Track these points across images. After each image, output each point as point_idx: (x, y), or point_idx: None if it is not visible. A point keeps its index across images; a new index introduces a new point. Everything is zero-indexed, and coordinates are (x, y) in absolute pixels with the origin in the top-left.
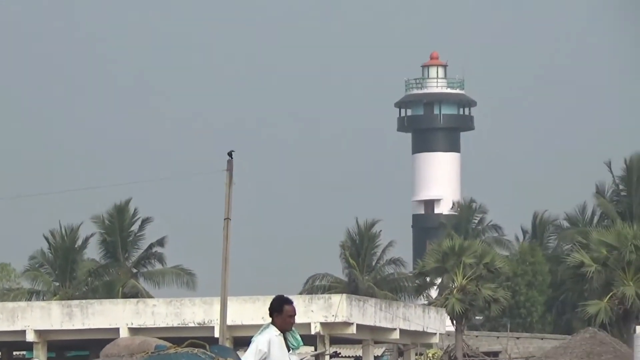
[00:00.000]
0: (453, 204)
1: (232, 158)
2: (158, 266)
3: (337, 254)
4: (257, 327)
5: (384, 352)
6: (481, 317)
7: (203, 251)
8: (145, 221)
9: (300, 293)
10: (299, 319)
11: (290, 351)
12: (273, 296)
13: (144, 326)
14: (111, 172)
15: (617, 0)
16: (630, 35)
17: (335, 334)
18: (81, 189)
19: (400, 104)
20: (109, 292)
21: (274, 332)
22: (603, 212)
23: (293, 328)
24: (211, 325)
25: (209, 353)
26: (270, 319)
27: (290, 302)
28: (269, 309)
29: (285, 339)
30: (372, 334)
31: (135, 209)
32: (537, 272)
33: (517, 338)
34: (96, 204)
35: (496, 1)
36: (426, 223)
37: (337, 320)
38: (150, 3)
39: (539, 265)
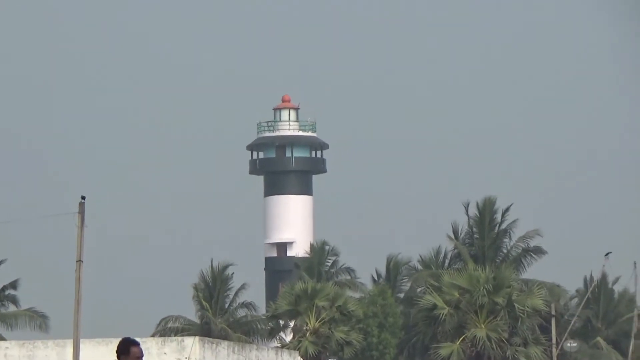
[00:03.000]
0: (311, 245)
1: (84, 200)
2: (11, 308)
3: (189, 296)
4: None
5: None
6: None
7: (56, 293)
8: None
9: (153, 335)
10: None
11: None
12: None
13: None
14: None
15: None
16: (483, 73)
17: None
18: None
19: (252, 147)
20: None
21: None
22: (456, 254)
23: None
24: None
25: None
26: None
27: (136, 344)
28: (116, 351)
29: None
30: None
31: None
32: (388, 313)
33: None
34: None
35: (346, 45)
36: (279, 266)
37: None
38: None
39: (389, 307)
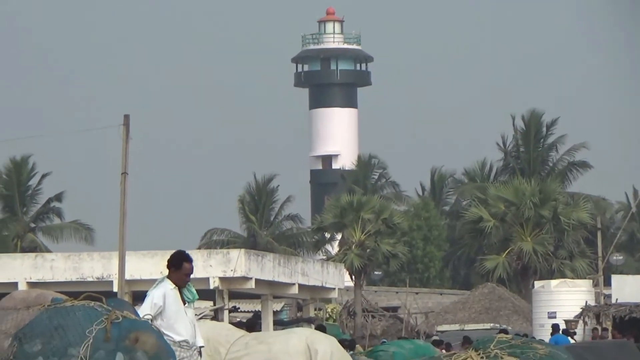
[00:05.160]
0: (358, 158)
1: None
2: (56, 221)
3: (235, 209)
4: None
5: (283, 307)
6: (380, 273)
7: (101, 206)
8: (44, 176)
9: (199, 247)
10: (197, 273)
11: (186, 304)
12: (172, 250)
13: (43, 280)
14: (8, 126)
15: None
16: None
17: (234, 289)
18: None
19: (296, 60)
20: (6, 246)
21: (169, 286)
22: (502, 167)
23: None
24: (110, 279)
25: (105, 306)
26: (167, 272)
27: (189, 260)
28: (168, 262)
29: (181, 292)
30: (270, 289)
31: (33, 164)
32: (432, 226)
33: (416, 293)
34: None
35: None
36: (324, 178)
37: (235, 275)
38: None
39: (433, 220)
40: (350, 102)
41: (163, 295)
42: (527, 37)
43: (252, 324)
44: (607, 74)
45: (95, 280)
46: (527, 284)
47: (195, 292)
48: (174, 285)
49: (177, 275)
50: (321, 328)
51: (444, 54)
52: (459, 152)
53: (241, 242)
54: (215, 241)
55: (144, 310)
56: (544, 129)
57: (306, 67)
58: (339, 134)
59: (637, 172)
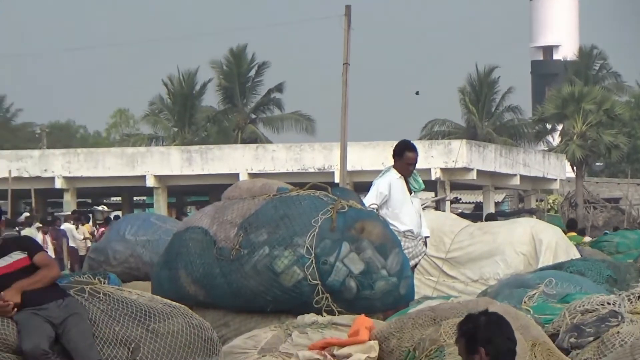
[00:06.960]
0: (579, 48)
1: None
2: (276, 112)
3: (456, 100)
4: (377, 173)
5: (504, 198)
6: (601, 164)
7: (321, 97)
8: (263, 66)
9: (420, 138)
10: (418, 164)
11: (412, 194)
12: (393, 141)
13: (264, 171)
14: (228, 16)
15: None
16: None
17: (455, 180)
18: (199, 34)
19: None
20: (227, 138)
21: (394, 175)
22: None
23: (415, 171)
24: (331, 170)
25: (331, 195)
26: (390, 163)
27: (412, 149)
28: (393, 151)
29: (407, 181)
30: (492, 180)
31: (252, 54)
32: None
33: (638, 184)
34: (214, 49)
35: None
36: (545, 70)
37: (457, 166)
38: None
39: None
40: None
41: (388, 184)
42: None
43: (492, 218)
44: None
45: (317, 171)
46: None
47: (421, 181)
48: (400, 175)
49: (401, 164)
50: (572, 222)
51: None
52: None
53: (461, 133)
54: (436, 132)
55: (370, 199)
56: None
57: None
58: (560, 24)
59: None
